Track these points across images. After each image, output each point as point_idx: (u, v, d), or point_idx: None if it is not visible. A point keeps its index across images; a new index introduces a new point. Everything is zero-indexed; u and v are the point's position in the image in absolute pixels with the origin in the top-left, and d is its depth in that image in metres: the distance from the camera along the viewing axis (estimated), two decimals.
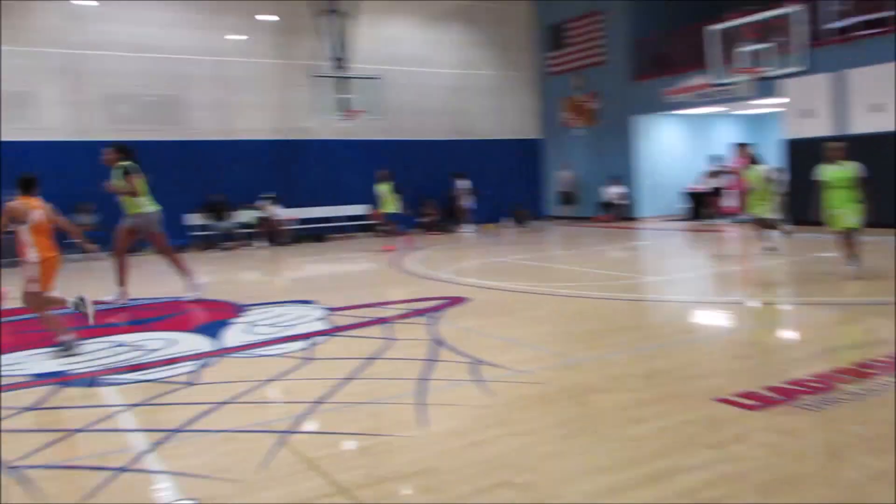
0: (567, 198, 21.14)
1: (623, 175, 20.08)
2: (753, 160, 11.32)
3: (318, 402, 4.61)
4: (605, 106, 20.53)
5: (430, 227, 19.71)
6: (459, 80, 21.09)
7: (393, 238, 15.59)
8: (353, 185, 19.26)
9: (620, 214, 19.99)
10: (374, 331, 6.77)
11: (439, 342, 6.14)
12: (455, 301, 8.23)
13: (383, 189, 15.51)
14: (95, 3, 16.37)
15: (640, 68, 19.58)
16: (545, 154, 22.65)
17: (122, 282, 8.91)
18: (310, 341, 6.45)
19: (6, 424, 4.40)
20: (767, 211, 10.99)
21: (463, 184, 19.67)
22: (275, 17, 18.37)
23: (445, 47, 20.90)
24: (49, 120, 16.02)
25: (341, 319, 7.44)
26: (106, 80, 16.49)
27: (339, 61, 18.52)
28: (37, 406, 4.81)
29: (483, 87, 21.50)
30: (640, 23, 19.60)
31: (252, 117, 18.15)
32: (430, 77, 20.54)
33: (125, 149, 8.99)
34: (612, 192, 20.14)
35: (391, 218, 15.71)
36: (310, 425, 4.24)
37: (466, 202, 19.65)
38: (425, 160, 20.33)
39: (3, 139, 15.21)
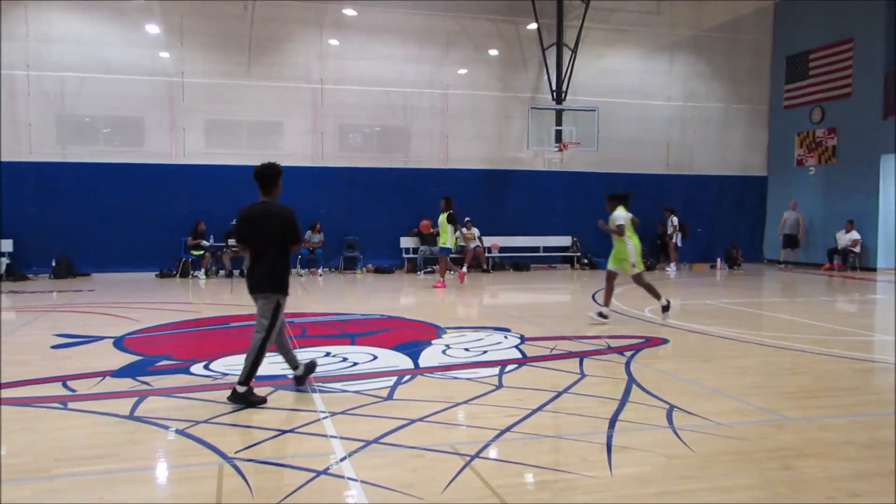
0: (791, 241, 19.51)
1: (861, 220, 18.20)
2: None
3: (504, 430, 4.66)
4: (847, 143, 18.78)
5: None
6: (680, 112, 20.43)
7: (452, 272, 14.71)
8: (558, 216, 19.32)
9: (853, 263, 18.10)
10: (567, 364, 6.71)
11: (632, 382, 5.94)
12: (653, 341, 7.94)
13: (441, 219, 14.02)
14: (337, 42, 17.99)
15: (894, 102, 17.65)
16: (769, 192, 21.15)
17: None
18: (502, 368, 6.53)
19: (227, 419, 4.94)
20: None
21: (672, 220, 18.87)
22: (495, 52, 19.03)
23: (668, 79, 20.35)
24: (291, 147, 17.80)
25: (534, 349, 7.47)
26: (340, 112, 18.02)
27: (558, 93, 18.74)
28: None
29: (706, 120, 20.64)
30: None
31: (467, 147, 18.87)
32: (649, 109, 20.12)
33: None
34: (846, 237, 18.31)
35: (444, 252, 14.31)
36: (494, 452, 4.29)
37: (674, 239, 18.83)
38: (635, 194, 19.78)
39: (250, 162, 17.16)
